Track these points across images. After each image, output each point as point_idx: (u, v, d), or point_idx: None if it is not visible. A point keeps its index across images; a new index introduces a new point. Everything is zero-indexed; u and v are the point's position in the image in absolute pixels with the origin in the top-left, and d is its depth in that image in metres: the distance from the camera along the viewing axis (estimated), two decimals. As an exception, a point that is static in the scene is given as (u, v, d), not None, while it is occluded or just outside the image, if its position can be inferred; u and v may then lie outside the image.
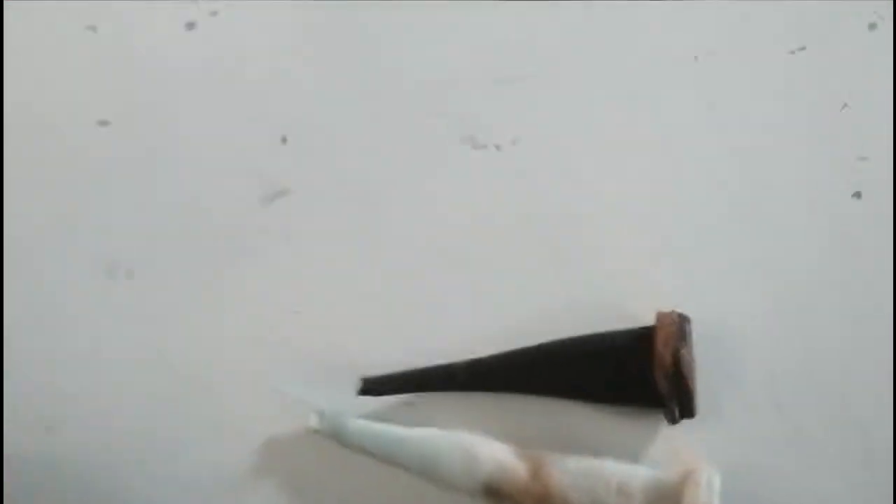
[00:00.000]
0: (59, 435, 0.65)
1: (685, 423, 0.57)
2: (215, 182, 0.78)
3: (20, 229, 0.76)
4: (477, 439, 0.57)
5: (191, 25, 0.91)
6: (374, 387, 0.61)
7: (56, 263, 0.73)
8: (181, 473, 0.63)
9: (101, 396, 0.66)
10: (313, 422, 0.60)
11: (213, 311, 0.69)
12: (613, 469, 0.55)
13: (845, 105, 0.75)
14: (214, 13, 0.92)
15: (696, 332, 0.59)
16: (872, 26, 0.77)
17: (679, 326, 0.57)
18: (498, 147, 0.76)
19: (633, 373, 0.56)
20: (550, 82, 0.80)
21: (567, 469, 0.54)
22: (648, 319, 0.59)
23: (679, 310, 0.59)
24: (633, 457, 0.57)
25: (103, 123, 0.83)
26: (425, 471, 0.57)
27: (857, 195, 0.69)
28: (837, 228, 0.68)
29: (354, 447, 0.59)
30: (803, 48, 0.79)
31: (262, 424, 0.62)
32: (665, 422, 0.57)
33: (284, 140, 0.79)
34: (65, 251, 0.74)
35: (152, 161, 0.80)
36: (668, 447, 0.57)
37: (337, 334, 0.66)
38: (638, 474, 0.54)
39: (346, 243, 0.72)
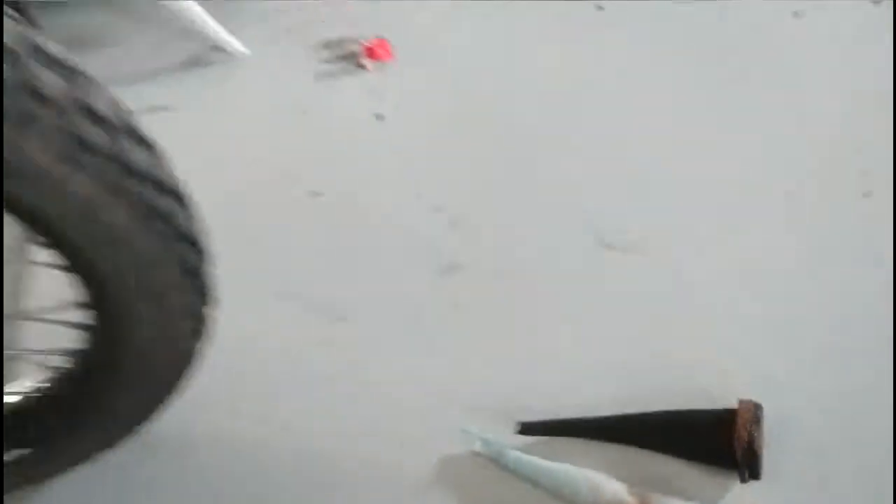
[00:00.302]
0: (290, 434, 0.89)
1: (752, 483, 0.79)
2: (398, 252, 1.02)
3: (244, 281, 0.99)
4: (601, 476, 0.79)
5: (380, 117, 1.16)
6: (528, 428, 0.84)
7: (277, 308, 0.98)
8: (374, 476, 0.86)
9: (310, 406, 0.90)
10: (478, 447, 0.84)
11: (408, 352, 0.93)
12: (699, 511, 0.77)
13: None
14: (396, 107, 1.17)
15: (766, 417, 0.81)
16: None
17: (754, 412, 0.79)
18: (624, 246, 0.98)
19: (718, 442, 0.78)
20: (671, 194, 1.03)
21: (666, 507, 0.77)
22: (730, 400, 0.82)
23: (755, 398, 0.81)
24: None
25: (315, 195, 1.08)
26: (560, 495, 0.80)
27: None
28: (886, 346, 0.89)
29: (508, 470, 0.82)
30: (871, 193, 1.00)
31: (439, 445, 0.85)
32: (738, 480, 0.79)
33: (455, 223, 1.03)
34: (284, 296, 0.99)
35: (356, 228, 1.04)
36: (738, 500, 0.79)
37: (498, 384, 0.89)
38: (716, 516, 0.76)
39: (504, 313, 0.96)
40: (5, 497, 0.86)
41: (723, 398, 0.83)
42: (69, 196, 0.53)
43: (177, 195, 0.63)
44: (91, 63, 1.25)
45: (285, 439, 0.88)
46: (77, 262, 0.63)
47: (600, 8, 1.24)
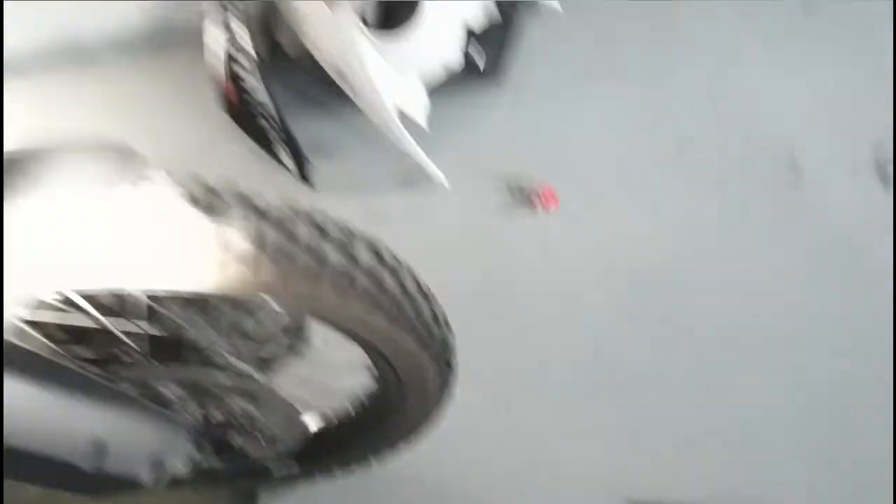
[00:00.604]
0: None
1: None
2: (556, 363, 1.40)
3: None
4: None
5: (545, 252, 1.54)
6: (635, 507, 1.22)
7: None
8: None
9: (482, 466, 1.29)
10: (598, 517, 1.22)
11: (561, 439, 1.31)
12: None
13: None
14: (558, 246, 1.55)
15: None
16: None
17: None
18: (708, 385, 1.34)
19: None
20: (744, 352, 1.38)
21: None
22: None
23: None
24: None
25: (489, 315, 1.47)
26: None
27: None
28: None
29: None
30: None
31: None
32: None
33: (602, 347, 1.41)
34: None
35: (530, 340, 1.43)
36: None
37: (622, 472, 1.27)
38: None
39: (626, 422, 1.33)
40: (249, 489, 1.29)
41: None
42: (408, 351, 0.94)
43: (447, 326, 1.02)
44: (324, 168, 1.67)
45: (462, 485, 1.28)
46: (383, 370, 1.03)
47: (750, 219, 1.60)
